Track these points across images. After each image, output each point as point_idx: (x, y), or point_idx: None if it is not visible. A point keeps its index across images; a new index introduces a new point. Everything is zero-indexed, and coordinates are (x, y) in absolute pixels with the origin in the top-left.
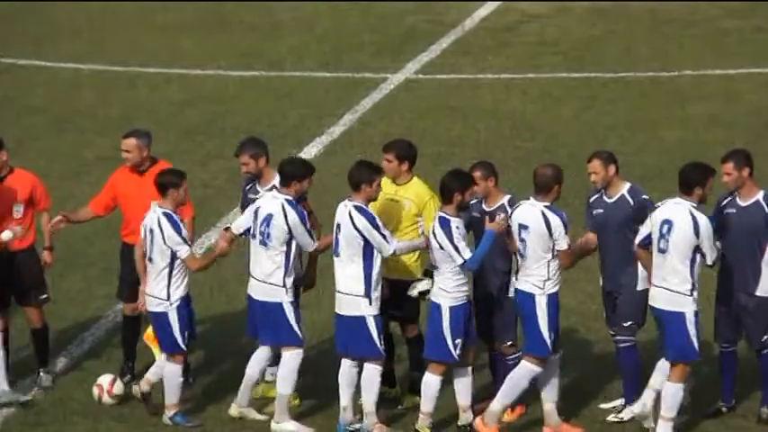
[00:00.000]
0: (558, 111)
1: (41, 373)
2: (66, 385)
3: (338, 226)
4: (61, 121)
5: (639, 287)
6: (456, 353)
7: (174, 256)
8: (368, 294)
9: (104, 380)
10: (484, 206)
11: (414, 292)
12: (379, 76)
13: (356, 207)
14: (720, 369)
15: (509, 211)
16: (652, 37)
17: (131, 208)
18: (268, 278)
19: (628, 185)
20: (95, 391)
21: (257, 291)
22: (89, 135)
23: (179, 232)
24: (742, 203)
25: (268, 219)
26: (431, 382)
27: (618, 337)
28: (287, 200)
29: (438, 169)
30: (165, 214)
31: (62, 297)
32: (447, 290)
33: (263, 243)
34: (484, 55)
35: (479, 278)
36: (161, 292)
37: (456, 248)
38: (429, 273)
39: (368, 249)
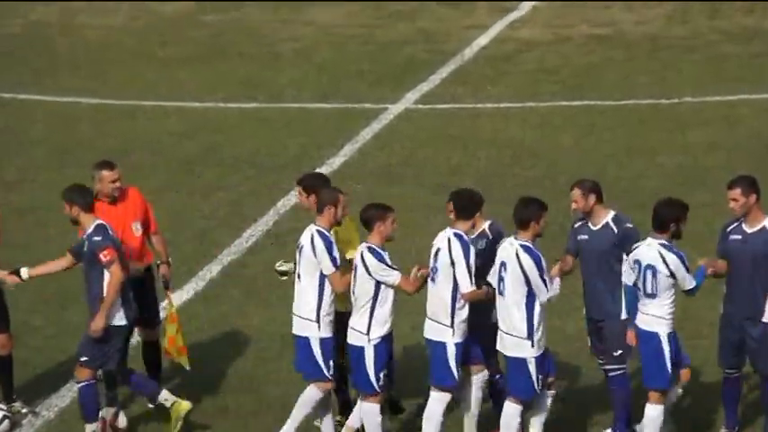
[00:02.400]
0: (558, 138)
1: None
2: (69, 419)
3: (503, 264)
4: (61, 153)
5: (624, 315)
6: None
7: (378, 288)
8: (530, 336)
9: (107, 413)
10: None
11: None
12: (379, 107)
13: (523, 246)
14: (723, 395)
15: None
16: (651, 63)
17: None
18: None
19: (612, 214)
20: (98, 425)
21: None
22: (88, 168)
23: (382, 260)
24: (748, 230)
25: (437, 253)
26: (656, 413)
27: (607, 366)
28: (454, 233)
29: (438, 198)
30: (369, 248)
31: (63, 330)
32: (664, 317)
33: (432, 279)
34: (483, 84)
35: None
36: (362, 326)
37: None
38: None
39: (530, 291)
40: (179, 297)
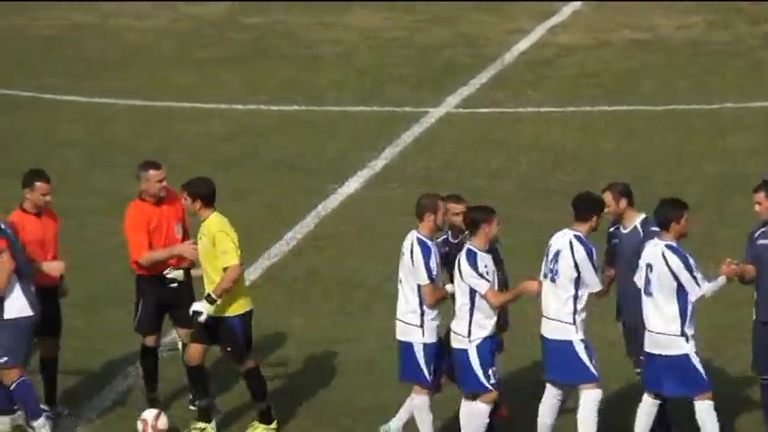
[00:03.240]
0: (599, 143)
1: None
2: (111, 420)
3: (649, 266)
4: (98, 155)
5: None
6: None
7: (474, 293)
8: (684, 334)
9: (149, 414)
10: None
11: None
12: (420, 110)
13: (668, 246)
14: (763, 403)
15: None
16: (691, 68)
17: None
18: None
19: (641, 217)
20: (140, 425)
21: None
22: (125, 169)
23: (476, 267)
24: None
25: (557, 255)
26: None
27: (639, 369)
28: (575, 235)
29: (479, 202)
30: (468, 252)
31: (103, 332)
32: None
33: (552, 280)
34: (524, 88)
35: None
36: (463, 329)
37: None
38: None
39: (681, 289)
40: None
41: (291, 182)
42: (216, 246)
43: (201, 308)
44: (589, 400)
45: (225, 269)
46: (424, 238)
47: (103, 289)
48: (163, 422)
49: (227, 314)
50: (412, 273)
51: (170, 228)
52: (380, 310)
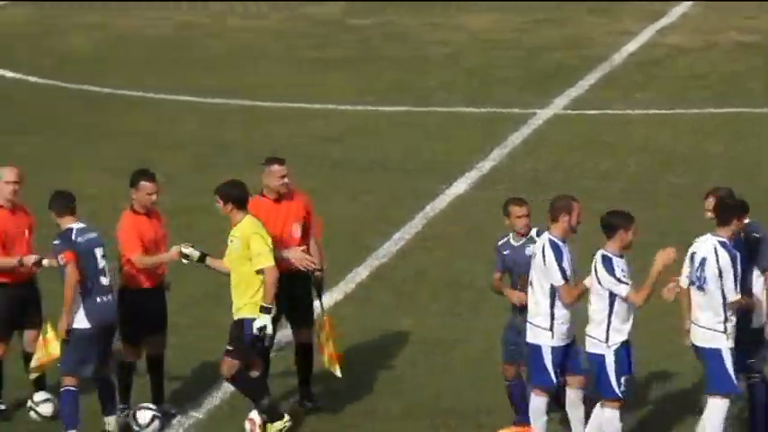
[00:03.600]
0: (708, 145)
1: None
2: (219, 419)
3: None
4: (209, 155)
5: (754, 324)
6: None
7: (612, 298)
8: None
9: (256, 414)
10: None
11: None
12: (528, 111)
13: (720, 242)
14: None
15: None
16: None
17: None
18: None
19: (744, 221)
20: (248, 425)
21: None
22: (236, 170)
23: (612, 272)
24: None
25: (702, 262)
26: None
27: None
28: (719, 241)
29: (587, 204)
30: (603, 257)
31: (212, 331)
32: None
33: (700, 288)
34: (632, 90)
35: None
36: (600, 334)
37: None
38: (264, 309)
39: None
40: (330, 299)
41: (399, 183)
42: (251, 248)
43: (263, 322)
44: (718, 409)
45: (258, 271)
46: (556, 240)
47: (213, 288)
48: None
49: (243, 315)
50: (544, 274)
51: (287, 227)
52: (488, 312)
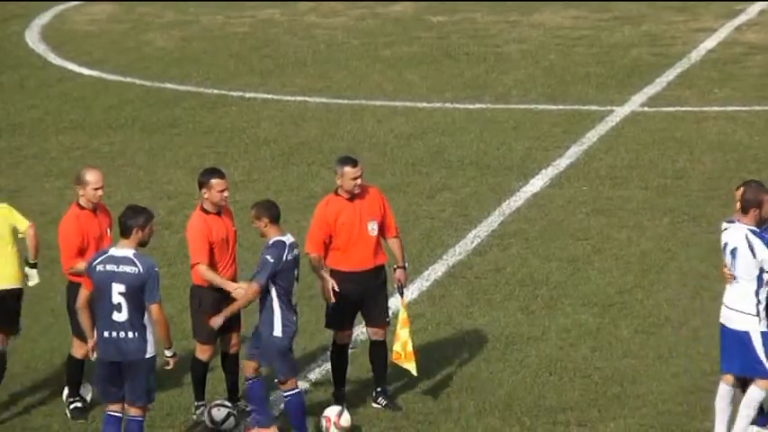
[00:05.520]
0: None
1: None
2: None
3: (734, 249)
4: (288, 153)
5: None
6: None
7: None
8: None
9: (332, 411)
10: None
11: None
12: (605, 109)
13: (751, 230)
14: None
15: None
16: None
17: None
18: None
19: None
20: (323, 422)
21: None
22: (315, 167)
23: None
24: None
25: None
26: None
27: None
28: (750, 230)
29: (662, 201)
30: (751, 230)
31: None
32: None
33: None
34: (710, 87)
35: None
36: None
37: None
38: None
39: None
40: (405, 296)
41: (476, 180)
42: None
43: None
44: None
45: None
46: (756, 229)
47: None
48: (345, 419)
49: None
50: (754, 263)
51: (362, 225)
52: (564, 309)
